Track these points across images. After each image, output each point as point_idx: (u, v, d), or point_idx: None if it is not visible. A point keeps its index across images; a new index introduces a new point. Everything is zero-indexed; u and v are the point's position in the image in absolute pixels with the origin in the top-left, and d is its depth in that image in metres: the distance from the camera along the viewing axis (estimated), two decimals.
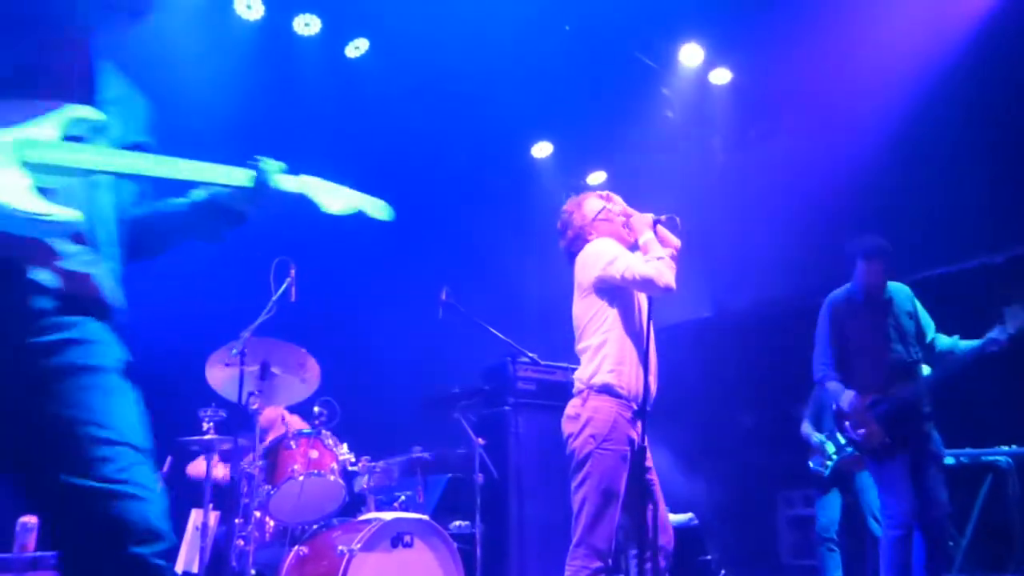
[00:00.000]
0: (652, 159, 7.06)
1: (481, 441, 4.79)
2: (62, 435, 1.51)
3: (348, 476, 4.36)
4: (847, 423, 4.29)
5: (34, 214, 1.56)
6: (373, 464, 4.51)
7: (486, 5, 5.69)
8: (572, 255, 3.66)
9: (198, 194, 1.96)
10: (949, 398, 4.39)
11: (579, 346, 3.55)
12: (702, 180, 7.19)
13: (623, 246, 3.55)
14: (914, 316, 4.40)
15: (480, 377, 5.40)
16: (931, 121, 5.87)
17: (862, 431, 4.22)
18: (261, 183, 1.85)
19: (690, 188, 7.16)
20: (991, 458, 4.95)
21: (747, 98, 6.91)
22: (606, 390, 3.35)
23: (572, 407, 3.43)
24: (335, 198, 1.98)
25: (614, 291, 3.47)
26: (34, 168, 1.60)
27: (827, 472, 5.61)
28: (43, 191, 1.59)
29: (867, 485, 5.35)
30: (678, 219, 3.54)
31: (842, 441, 5.48)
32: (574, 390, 3.48)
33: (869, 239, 4.42)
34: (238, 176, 1.85)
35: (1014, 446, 4.93)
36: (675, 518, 5.80)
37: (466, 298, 4.95)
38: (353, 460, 4.42)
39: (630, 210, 3.65)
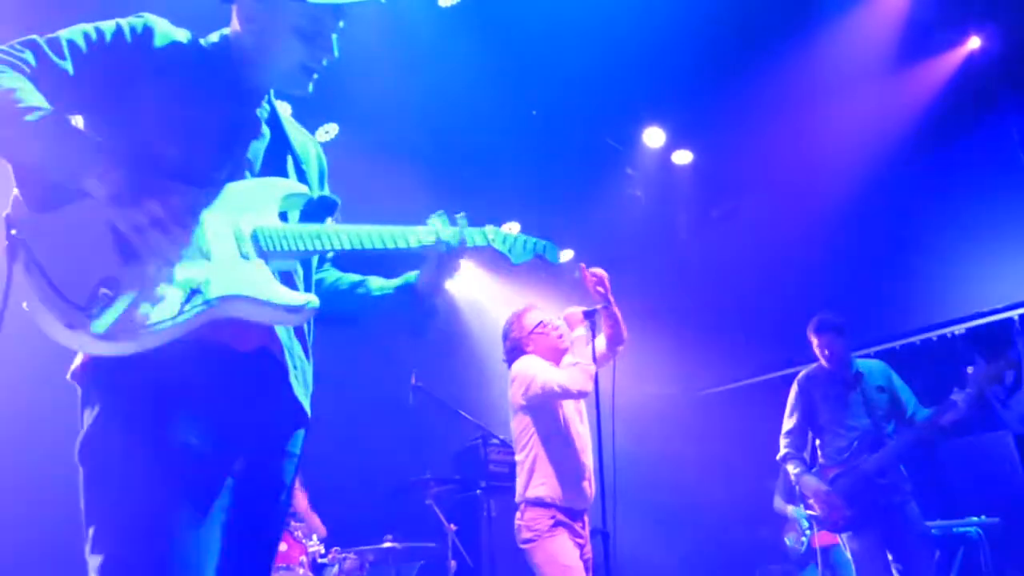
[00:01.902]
0: (618, 237, 7.19)
1: (453, 527, 4.74)
2: None
3: (318, 569, 4.29)
4: (809, 500, 4.32)
5: (293, 306, 1.61)
6: (344, 555, 4.44)
7: (454, 92, 5.84)
8: (509, 364, 3.86)
9: (386, 284, 1.96)
10: (918, 470, 4.42)
11: (516, 458, 3.78)
12: (668, 257, 7.33)
13: (550, 361, 3.74)
14: (887, 391, 4.39)
15: (452, 461, 5.37)
16: (886, 198, 6.08)
17: (822, 508, 4.23)
18: (446, 241, 1.88)
19: (657, 265, 7.29)
20: (962, 529, 4.95)
21: (709, 176, 7.10)
22: (536, 503, 3.56)
23: (516, 519, 3.65)
24: (519, 248, 2.04)
25: (539, 408, 3.68)
26: (271, 256, 1.65)
27: (803, 548, 5.59)
28: (280, 277, 1.65)
29: (843, 560, 5.33)
30: (615, 309, 3.65)
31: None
32: (516, 499, 3.70)
33: (820, 315, 4.52)
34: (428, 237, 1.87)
35: (983, 516, 4.94)
36: None
37: (436, 382, 4.95)
38: (323, 552, 4.36)
39: (570, 310, 3.80)
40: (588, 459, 3.67)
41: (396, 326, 1.96)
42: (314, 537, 4.33)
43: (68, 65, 1.57)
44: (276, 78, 1.78)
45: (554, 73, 5.92)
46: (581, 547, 3.56)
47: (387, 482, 5.47)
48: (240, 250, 1.60)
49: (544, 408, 3.66)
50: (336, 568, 4.43)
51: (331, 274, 1.99)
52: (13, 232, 1.41)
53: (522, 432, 3.71)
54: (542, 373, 3.62)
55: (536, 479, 3.58)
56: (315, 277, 1.92)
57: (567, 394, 3.55)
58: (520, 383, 3.68)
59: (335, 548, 4.43)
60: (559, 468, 3.59)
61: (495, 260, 2.02)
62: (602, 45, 5.63)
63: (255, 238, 1.63)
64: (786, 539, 5.72)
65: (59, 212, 1.47)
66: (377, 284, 1.97)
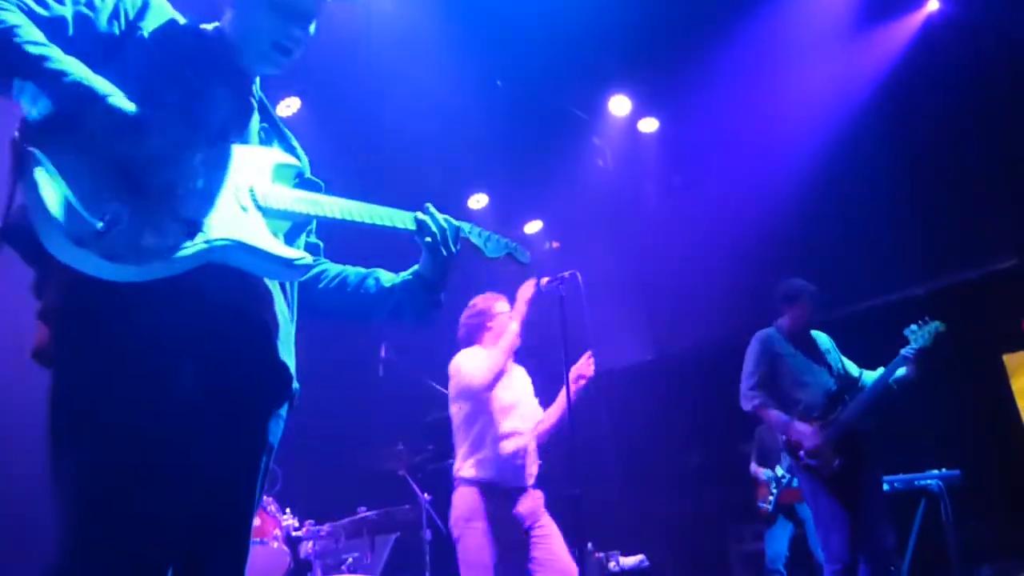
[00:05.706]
0: (586, 207, 7.21)
1: (427, 496, 4.76)
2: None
3: (292, 542, 4.30)
4: (801, 452, 4.31)
5: (290, 259, 1.64)
6: (318, 528, 4.45)
7: (418, 63, 5.80)
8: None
9: (393, 277, 1.99)
10: (879, 423, 4.51)
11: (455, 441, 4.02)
12: (637, 226, 7.36)
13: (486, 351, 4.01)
14: (835, 356, 4.59)
15: (423, 432, 5.39)
16: (848, 163, 6.14)
17: (818, 458, 4.25)
18: (424, 224, 1.91)
19: (626, 234, 7.33)
20: (923, 483, 5.06)
21: (675, 144, 7.12)
22: (465, 481, 3.83)
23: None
24: (491, 243, 2.07)
25: (466, 399, 3.96)
26: (268, 213, 1.67)
27: (772, 506, 5.70)
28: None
29: (808, 515, 5.44)
30: (579, 275, 3.72)
31: (779, 473, 5.61)
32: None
33: (793, 282, 4.63)
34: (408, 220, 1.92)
35: (943, 469, 5.05)
36: (626, 561, 5.84)
37: (406, 353, 4.96)
38: (297, 525, 4.37)
39: (525, 286, 3.98)
40: (526, 439, 3.90)
41: (402, 314, 1.97)
42: (287, 511, 4.34)
43: (68, 12, 1.59)
44: (255, 58, 1.81)
45: (518, 43, 5.89)
46: (520, 523, 3.78)
47: (359, 454, 5.49)
48: (239, 202, 1.62)
49: (470, 398, 3.93)
50: (311, 541, 4.44)
51: (332, 267, 2.01)
52: (28, 147, 1.40)
53: (458, 417, 3.99)
54: (463, 368, 3.96)
55: (469, 462, 3.85)
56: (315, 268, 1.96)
57: (470, 389, 3.87)
58: (451, 378, 4.03)
59: (309, 521, 4.44)
60: (489, 449, 3.84)
61: (469, 253, 2.06)
62: (566, 14, 5.61)
63: (252, 193, 1.66)
64: (760, 502, 5.82)
65: (69, 137, 1.46)
66: (387, 275, 2.01)
